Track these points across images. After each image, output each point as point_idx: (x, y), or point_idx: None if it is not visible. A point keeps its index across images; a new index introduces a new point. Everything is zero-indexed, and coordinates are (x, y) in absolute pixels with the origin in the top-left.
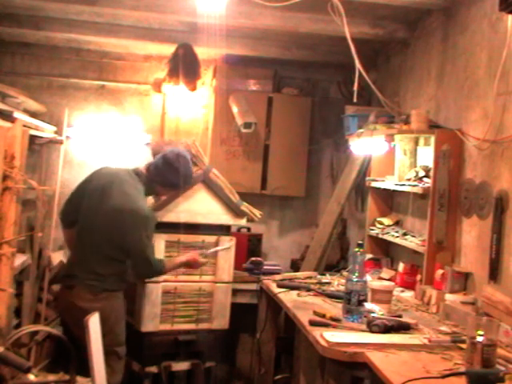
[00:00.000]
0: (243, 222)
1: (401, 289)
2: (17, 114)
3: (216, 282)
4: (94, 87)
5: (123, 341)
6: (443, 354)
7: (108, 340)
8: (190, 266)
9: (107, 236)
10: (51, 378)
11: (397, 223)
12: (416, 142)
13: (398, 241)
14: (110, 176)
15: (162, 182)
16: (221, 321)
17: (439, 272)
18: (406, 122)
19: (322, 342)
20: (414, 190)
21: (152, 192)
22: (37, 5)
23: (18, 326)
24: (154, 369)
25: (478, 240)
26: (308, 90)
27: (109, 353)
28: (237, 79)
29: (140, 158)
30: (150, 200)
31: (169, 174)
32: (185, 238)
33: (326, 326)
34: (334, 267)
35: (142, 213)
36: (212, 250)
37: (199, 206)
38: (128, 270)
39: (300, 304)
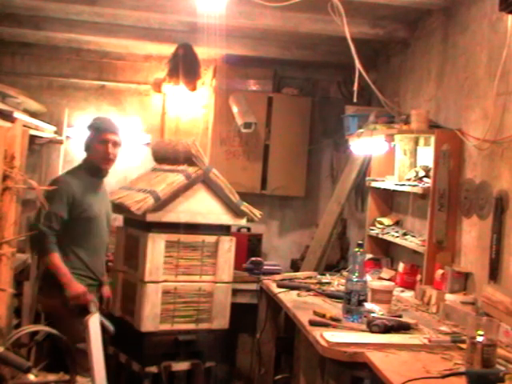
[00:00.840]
0: (243, 222)
1: (401, 289)
2: (17, 114)
3: (216, 282)
4: (94, 87)
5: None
6: (443, 353)
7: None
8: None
9: None
10: (51, 377)
11: (397, 223)
12: (416, 142)
13: (398, 241)
14: None
15: (86, 147)
16: (221, 321)
17: (439, 272)
18: (406, 121)
19: (322, 342)
20: (414, 190)
21: (94, 161)
22: (37, 5)
23: (18, 326)
24: (154, 369)
25: (478, 240)
26: (308, 90)
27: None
28: (237, 79)
29: (140, 159)
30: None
31: (88, 136)
32: (185, 237)
33: (326, 325)
34: (334, 267)
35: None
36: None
37: (199, 206)
38: (83, 263)
39: (300, 304)
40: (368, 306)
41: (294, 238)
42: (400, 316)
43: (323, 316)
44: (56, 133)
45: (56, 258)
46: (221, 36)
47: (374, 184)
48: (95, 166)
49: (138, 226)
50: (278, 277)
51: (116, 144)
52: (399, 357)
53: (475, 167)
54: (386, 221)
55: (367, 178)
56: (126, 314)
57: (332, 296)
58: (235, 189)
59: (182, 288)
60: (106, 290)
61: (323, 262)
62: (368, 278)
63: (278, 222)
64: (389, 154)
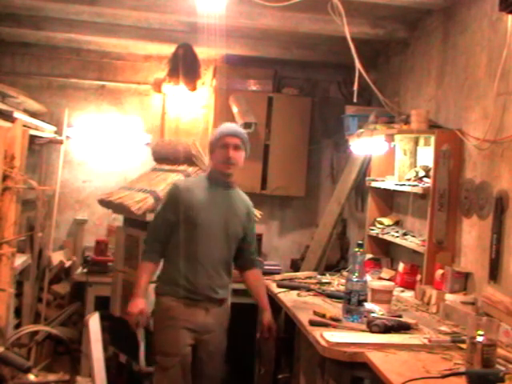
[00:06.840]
0: None
1: (401, 289)
2: (17, 114)
3: None
4: (93, 87)
5: (165, 351)
6: (443, 353)
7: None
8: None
9: None
10: (51, 377)
11: (397, 223)
12: (416, 142)
13: (398, 241)
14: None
15: (209, 154)
16: None
17: (439, 272)
18: (406, 122)
19: (322, 342)
20: (414, 190)
21: (215, 166)
22: (37, 5)
23: (18, 326)
24: (154, 369)
25: (478, 240)
26: (308, 90)
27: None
28: (237, 79)
29: (140, 159)
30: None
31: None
32: None
33: (325, 325)
34: (334, 267)
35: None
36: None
37: None
38: (180, 273)
39: (300, 304)
40: (368, 305)
41: (294, 238)
42: (400, 316)
43: (323, 316)
44: (56, 133)
45: (142, 266)
46: (221, 36)
47: (374, 184)
48: (217, 171)
49: (137, 226)
50: (277, 277)
51: (237, 148)
52: (399, 357)
53: (475, 167)
54: (386, 221)
55: (367, 178)
56: (126, 314)
57: (332, 296)
58: None
59: None
60: (266, 317)
61: (323, 262)
62: (368, 277)
63: (278, 222)
64: (389, 154)
